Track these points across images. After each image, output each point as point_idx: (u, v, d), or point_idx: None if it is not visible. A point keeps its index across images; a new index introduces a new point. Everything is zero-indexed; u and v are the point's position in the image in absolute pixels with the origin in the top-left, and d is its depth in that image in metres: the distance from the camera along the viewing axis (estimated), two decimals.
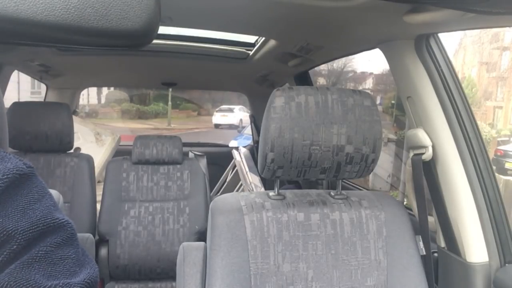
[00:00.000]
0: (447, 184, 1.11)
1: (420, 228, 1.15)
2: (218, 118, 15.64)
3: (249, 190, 2.46)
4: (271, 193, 1.03)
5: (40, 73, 2.38)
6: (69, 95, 2.91)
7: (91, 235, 1.43)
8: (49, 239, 0.38)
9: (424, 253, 1.12)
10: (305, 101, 0.92)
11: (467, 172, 1.08)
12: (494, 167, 1.15)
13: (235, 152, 2.89)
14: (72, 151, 1.88)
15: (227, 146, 3.85)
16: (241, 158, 2.76)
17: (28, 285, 0.35)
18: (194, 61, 2.17)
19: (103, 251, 1.85)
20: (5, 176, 0.36)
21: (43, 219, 0.38)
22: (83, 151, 2.32)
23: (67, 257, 0.39)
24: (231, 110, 15.54)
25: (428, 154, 1.12)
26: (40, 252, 0.37)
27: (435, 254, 1.18)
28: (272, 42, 1.68)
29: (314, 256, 0.97)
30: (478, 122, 1.13)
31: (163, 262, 1.88)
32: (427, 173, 1.15)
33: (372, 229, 1.00)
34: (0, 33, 0.33)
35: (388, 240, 1.00)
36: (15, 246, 0.35)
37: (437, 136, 1.11)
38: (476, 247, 1.07)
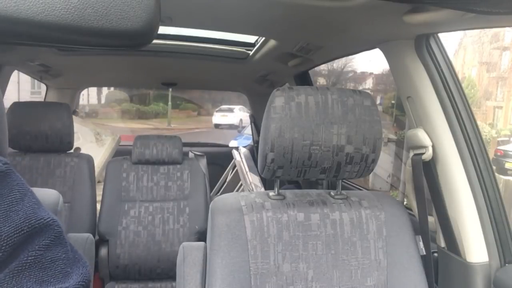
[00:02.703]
0: (447, 184, 1.11)
1: (420, 228, 1.15)
2: (218, 118, 15.62)
3: (249, 190, 2.46)
4: (271, 193, 1.03)
5: (40, 73, 2.38)
6: (69, 95, 2.91)
7: (91, 235, 1.43)
8: (36, 241, 0.36)
9: (424, 253, 1.12)
10: (305, 101, 0.92)
11: (467, 172, 1.08)
12: (494, 167, 1.15)
13: (235, 152, 2.89)
14: (72, 151, 1.88)
15: (227, 146, 3.85)
16: (241, 158, 2.76)
17: None
18: (194, 61, 2.17)
19: (103, 251, 1.85)
20: None
21: (27, 221, 0.35)
22: (83, 151, 2.33)
23: (57, 258, 0.37)
24: (231, 110, 15.53)
25: (428, 154, 1.12)
26: (30, 258, 0.34)
27: (435, 254, 1.18)
28: (272, 42, 1.67)
29: (314, 256, 0.97)
30: (478, 122, 1.13)
31: (163, 262, 1.88)
32: (427, 173, 1.15)
33: (372, 229, 1.00)
34: (0, 33, 0.33)
35: (388, 240, 1.00)
36: (0, 254, 0.32)
37: (437, 136, 1.11)
38: (476, 247, 1.07)
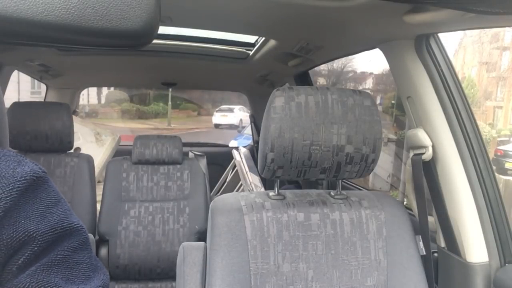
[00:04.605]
0: (447, 184, 1.11)
1: (420, 228, 1.15)
2: (218, 118, 15.63)
3: (249, 190, 2.46)
4: (271, 193, 1.03)
5: (40, 73, 2.38)
6: (69, 95, 2.91)
7: (91, 235, 1.43)
8: (66, 243, 0.39)
9: (424, 253, 1.12)
10: (305, 101, 0.92)
11: (467, 172, 1.08)
12: (494, 167, 1.15)
13: (235, 152, 2.89)
14: (72, 151, 1.88)
15: (227, 146, 3.85)
16: (241, 158, 2.76)
17: (48, 287, 0.36)
18: (194, 61, 2.17)
19: (103, 251, 1.85)
20: (23, 178, 0.37)
21: (60, 222, 0.39)
22: (83, 151, 2.33)
23: (82, 261, 0.40)
24: (231, 110, 15.54)
25: (428, 154, 1.12)
26: (59, 256, 0.38)
27: (435, 254, 1.18)
28: (272, 42, 1.67)
29: (314, 256, 0.97)
30: (478, 122, 1.13)
31: (163, 262, 1.88)
32: (427, 173, 1.15)
33: (372, 229, 1.00)
34: (0, 33, 0.33)
35: (388, 240, 1.00)
36: (36, 248, 0.36)
37: (437, 136, 1.11)
38: (476, 247, 1.07)
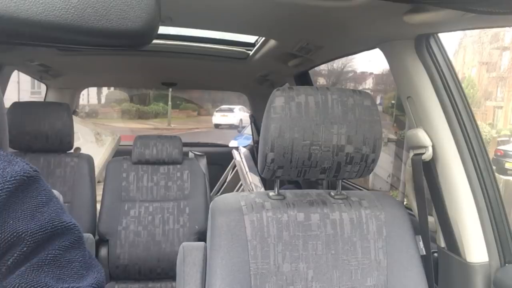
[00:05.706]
0: (447, 184, 1.11)
1: (420, 228, 1.15)
2: (218, 118, 15.65)
3: (249, 190, 2.46)
4: (271, 193, 1.03)
5: (40, 73, 2.38)
6: (69, 95, 2.91)
7: (91, 235, 1.43)
8: (57, 242, 0.38)
9: (424, 253, 1.12)
10: (305, 101, 0.92)
11: (467, 172, 1.08)
12: (494, 167, 1.15)
13: (235, 152, 2.89)
14: (72, 151, 1.88)
15: (227, 146, 3.85)
16: (241, 158, 2.76)
17: (39, 287, 0.35)
18: (194, 61, 2.17)
19: (103, 251, 1.85)
20: (13, 178, 0.36)
21: (51, 222, 0.38)
22: (83, 151, 2.33)
23: (75, 260, 0.40)
24: (231, 110, 15.55)
25: (428, 154, 1.12)
26: (49, 255, 0.37)
27: (435, 254, 1.18)
28: (272, 42, 1.67)
29: (314, 256, 0.97)
30: (478, 122, 1.13)
31: (163, 262, 1.88)
32: (427, 173, 1.15)
33: (372, 229, 1.00)
34: (0, 33, 0.33)
35: (388, 240, 1.00)
36: (25, 248, 0.36)
37: (437, 136, 1.11)
38: (476, 247, 1.07)
